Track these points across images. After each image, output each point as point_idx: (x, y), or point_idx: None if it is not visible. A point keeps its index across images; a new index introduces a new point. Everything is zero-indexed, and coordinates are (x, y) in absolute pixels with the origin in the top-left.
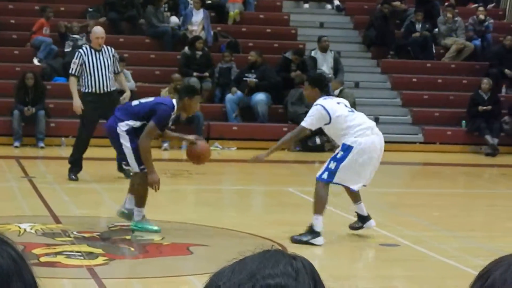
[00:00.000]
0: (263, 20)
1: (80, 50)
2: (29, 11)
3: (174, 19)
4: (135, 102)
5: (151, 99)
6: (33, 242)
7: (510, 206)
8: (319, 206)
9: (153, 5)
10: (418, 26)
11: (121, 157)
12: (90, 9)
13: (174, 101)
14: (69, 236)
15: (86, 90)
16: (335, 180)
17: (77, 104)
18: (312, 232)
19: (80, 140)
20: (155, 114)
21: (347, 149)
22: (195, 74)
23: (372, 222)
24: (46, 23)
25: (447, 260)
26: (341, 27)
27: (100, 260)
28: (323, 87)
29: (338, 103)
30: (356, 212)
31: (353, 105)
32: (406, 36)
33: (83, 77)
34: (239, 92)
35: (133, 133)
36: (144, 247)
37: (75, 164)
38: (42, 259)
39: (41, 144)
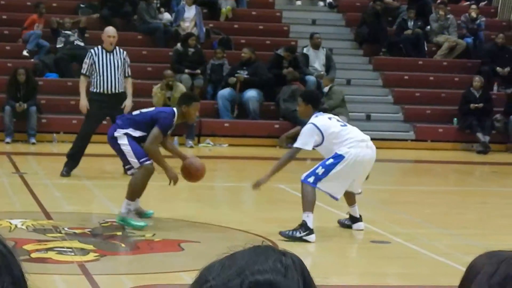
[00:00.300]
0: (255, 17)
1: (91, 50)
2: (21, 6)
3: (166, 16)
4: (135, 112)
5: (151, 108)
6: (24, 238)
7: (502, 204)
8: (308, 204)
9: (145, 1)
10: (410, 24)
11: (123, 163)
12: (82, 5)
13: (175, 109)
14: (60, 232)
15: (94, 90)
16: (318, 185)
17: (83, 103)
18: (306, 228)
19: (81, 135)
20: (157, 122)
21: (338, 157)
22: (187, 71)
23: (361, 225)
24: (38, 19)
25: (438, 258)
26: (333, 24)
27: (91, 256)
28: (316, 104)
29: (330, 118)
30: (349, 213)
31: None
32: (398, 33)
33: (93, 77)
34: (230, 89)
35: (131, 137)
36: (135, 244)
37: (72, 159)
38: (33, 255)
39: (33, 140)
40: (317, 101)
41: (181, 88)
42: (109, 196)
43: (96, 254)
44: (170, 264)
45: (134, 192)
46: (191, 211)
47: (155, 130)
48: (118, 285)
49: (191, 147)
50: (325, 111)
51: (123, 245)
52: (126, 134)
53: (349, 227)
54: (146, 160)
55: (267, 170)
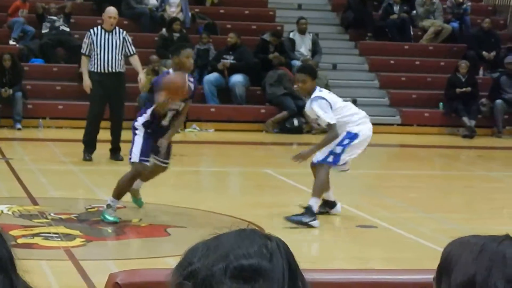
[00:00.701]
0: (241, 1)
1: (91, 29)
2: None
3: (152, 1)
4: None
5: None
6: (10, 223)
7: (487, 188)
8: (319, 190)
9: None
10: (396, 8)
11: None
12: None
13: (170, 70)
14: (46, 218)
15: (92, 69)
16: (340, 162)
17: (87, 83)
18: (311, 214)
19: (88, 120)
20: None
21: (354, 136)
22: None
23: (339, 208)
24: (22, 4)
25: (424, 242)
26: (319, 9)
27: (77, 241)
28: (316, 77)
29: (330, 93)
30: (323, 199)
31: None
32: (383, 18)
33: (92, 57)
34: (216, 74)
35: (147, 133)
36: (122, 229)
37: (88, 145)
38: (19, 240)
39: (18, 126)
40: (317, 73)
41: None
42: (95, 181)
43: (83, 240)
44: (157, 249)
45: (120, 192)
46: (178, 196)
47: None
48: (104, 270)
49: (177, 132)
50: None
51: (109, 230)
52: (144, 124)
53: (326, 213)
54: (145, 161)
55: (253, 155)
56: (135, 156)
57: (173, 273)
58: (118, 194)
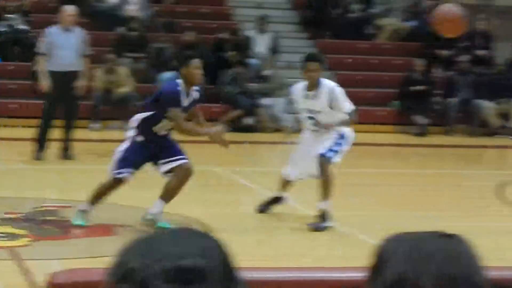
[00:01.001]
0: (200, 0)
1: (48, 28)
2: None
3: None
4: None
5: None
6: None
7: (453, 185)
8: (330, 190)
9: None
10: (355, 7)
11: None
12: None
13: (178, 81)
14: None
15: (51, 69)
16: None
17: (45, 82)
18: (328, 217)
19: (43, 119)
20: (164, 102)
21: (344, 137)
22: (129, 54)
23: (284, 203)
24: None
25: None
26: (279, 7)
27: (23, 241)
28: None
29: None
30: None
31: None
32: (342, 16)
33: (50, 56)
34: (173, 72)
35: (141, 127)
36: (69, 228)
37: (41, 144)
38: None
39: None
40: None
41: (123, 71)
42: (44, 180)
43: (29, 239)
44: (103, 249)
45: (96, 197)
46: (124, 194)
47: (169, 113)
48: (49, 270)
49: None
50: (265, 94)
51: (56, 229)
52: (136, 127)
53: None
54: (118, 174)
55: (203, 153)
56: (110, 168)
57: (108, 274)
58: (93, 198)
